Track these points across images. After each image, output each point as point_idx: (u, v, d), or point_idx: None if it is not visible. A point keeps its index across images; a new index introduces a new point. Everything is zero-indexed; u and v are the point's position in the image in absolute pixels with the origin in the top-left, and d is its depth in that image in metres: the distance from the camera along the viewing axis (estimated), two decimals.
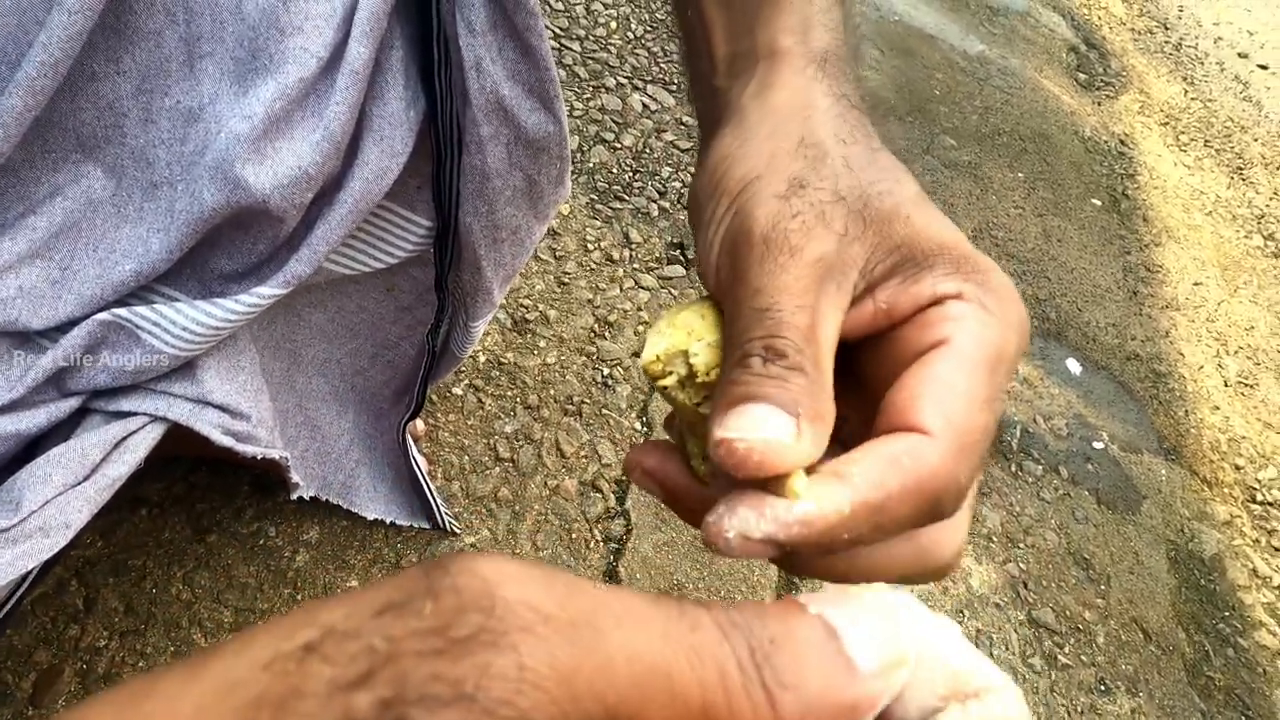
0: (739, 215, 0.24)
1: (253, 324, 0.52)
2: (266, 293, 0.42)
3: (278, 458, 0.49)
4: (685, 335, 0.24)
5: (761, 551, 0.20)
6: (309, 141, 0.38)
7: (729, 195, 0.25)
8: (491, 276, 0.55)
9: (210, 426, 0.44)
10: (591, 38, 1.39)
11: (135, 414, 0.43)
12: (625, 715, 0.13)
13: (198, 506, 0.73)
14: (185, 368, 0.43)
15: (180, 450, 0.75)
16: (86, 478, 0.40)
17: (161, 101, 0.38)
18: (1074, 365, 1.48)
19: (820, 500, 0.19)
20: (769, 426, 0.20)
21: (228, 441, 0.45)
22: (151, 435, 0.43)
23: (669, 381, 0.24)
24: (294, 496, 0.61)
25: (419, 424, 0.83)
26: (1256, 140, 2.44)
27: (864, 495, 0.20)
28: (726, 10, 0.30)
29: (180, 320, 0.40)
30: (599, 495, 0.90)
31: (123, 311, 0.40)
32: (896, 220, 0.24)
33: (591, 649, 0.13)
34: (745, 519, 0.19)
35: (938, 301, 0.23)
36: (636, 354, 1.04)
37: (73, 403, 0.42)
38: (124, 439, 0.42)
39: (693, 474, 0.26)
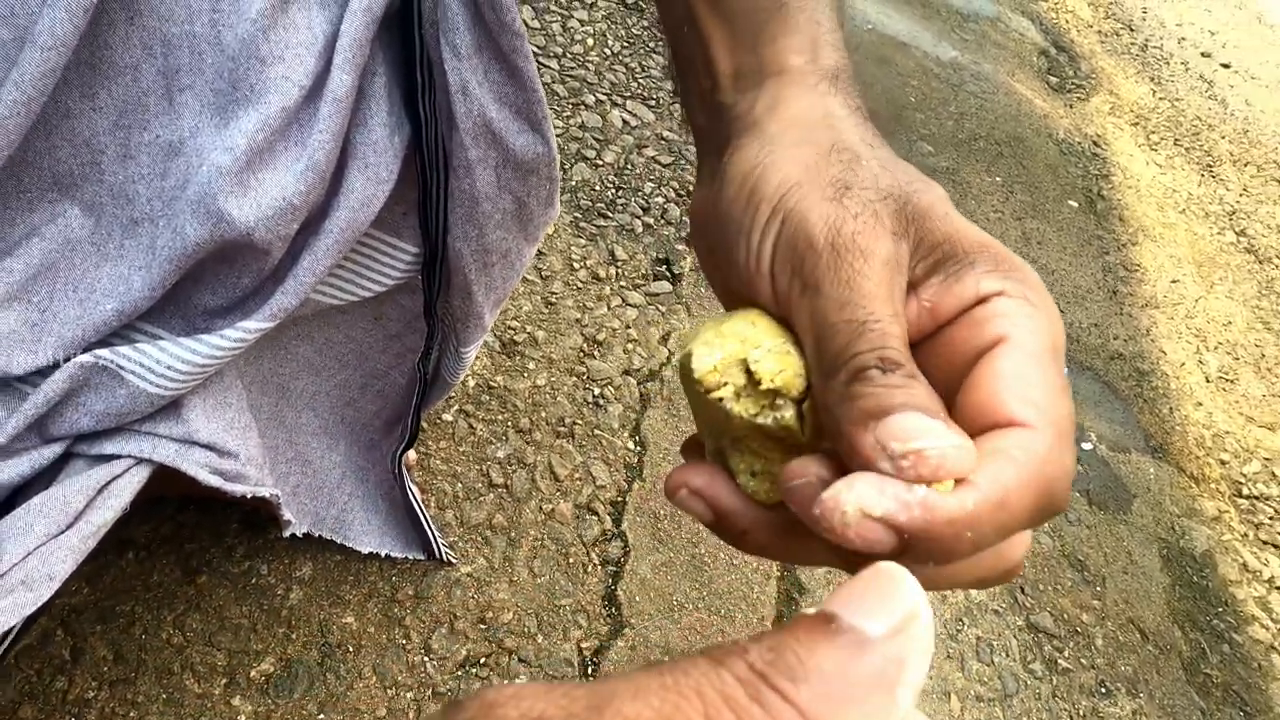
0: (791, 221, 0.24)
1: (239, 359, 0.50)
2: (253, 327, 0.40)
3: (268, 495, 0.48)
4: (739, 344, 0.24)
5: (878, 537, 0.19)
6: (293, 172, 0.37)
7: (769, 202, 0.25)
8: (482, 301, 0.54)
9: (197, 466, 0.43)
10: (569, 55, 1.39)
11: (119, 456, 0.41)
12: None
13: (186, 547, 0.71)
14: (170, 406, 0.41)
15: (167, 490, 0.73)
16: (70, 526, 0.39)
17: (140, 136, 0.37)
18: None
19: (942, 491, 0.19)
20: (937, 432, 0.19)
21: (216, 481, 0.43)
22: (136, 478, 0.42)
23: (725, 392, 0.23)
24: (286, 534, 0.59)
25: (411, 453, 0.82)
26: (1224, 138, 2.48)
27: (985, 492, 0.19)
28: (728, 26, 0.29)
29: (164, 359, 0.39)
30: (595, 518, 0.88)
31: (104, 352, 0.38)
32: (935, 218, 0.24)
33: None
34: (864, 494, 0.19)
35: (983, 300, 0.23)
36: (627, 371, 1.03)
37: (56, 449, 0.40)
38: (108, 483, 0.41)
39: (739, 491, 0.25)
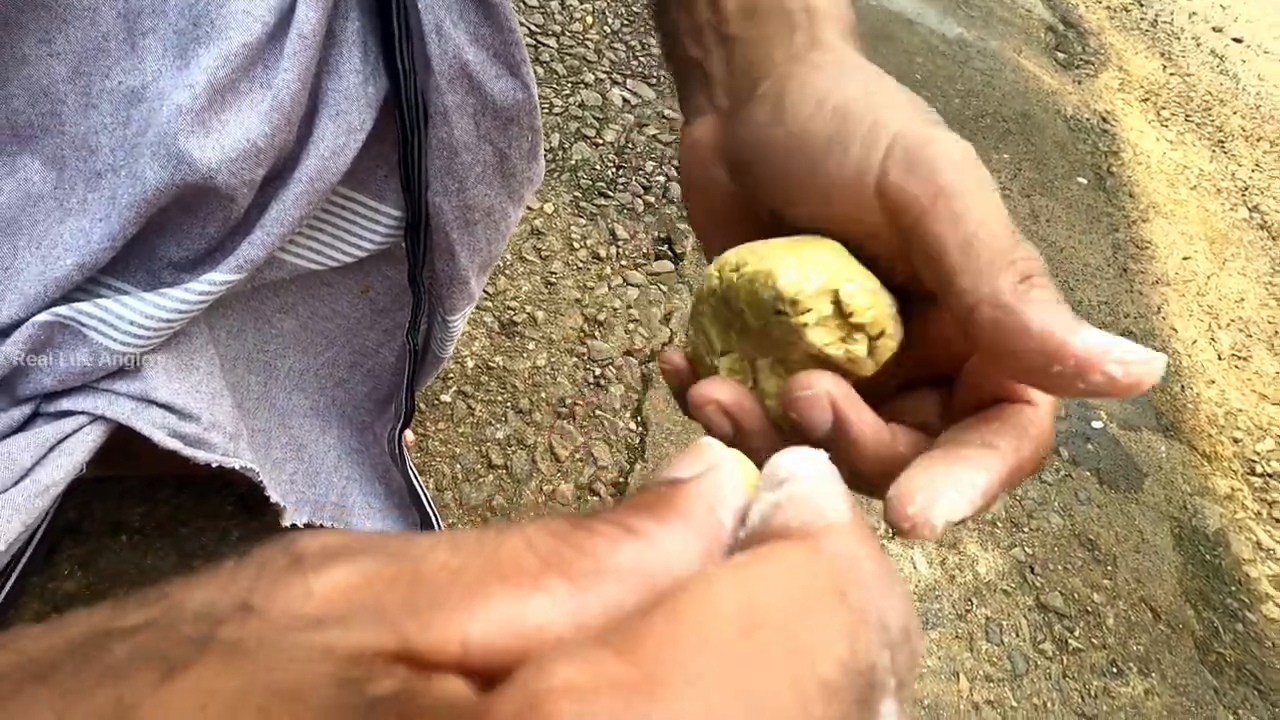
0: (906, 135, 0.24)
1: (219, 333, 0.49)
2: (219, 279, 0.39)
3: (238, 468, 0.46)
4: (826, 273, 0.24)
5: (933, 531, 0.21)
6: (257, 112, 0.36)
7: (869, 118, 0.25)
8: (467, 264, 0.53)
9: (153, 427, 0.41)
10: (568, 33, 1.37)
11: (73, 413, 0.40)
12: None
13: (181, 531, 0.70)
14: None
15: (163, 470, 0.72)
16: (15, 483, 0.38)
17: (102, 84, 0.35)
18: None
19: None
20: (1127, 346, 0.20)
21: (174, 444, 0.42)
22: (90, 437, 0.40)
23: (809, 318, 0.24)
24: (286, 523, 0.58)
25: (409, 434, 0.81)
26: (1235, 113, 2.44)
27: (1010, 462, 0.22)
28: None
29: (128, 315, 0.37)
30: (596, 499, 0.87)
31: (65, 310, 0.37)
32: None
33: (398, 562, 0.12)
34: (954, 504, 0.21)
35: None
36: (628, 352, 1.02)
37: (25, 410, 0.39)
38: (60, 441, 0.39)
39: (764, 411, 0.26)
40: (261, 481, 0.51)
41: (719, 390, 0.25)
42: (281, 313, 0.54)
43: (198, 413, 0.43)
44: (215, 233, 0.38)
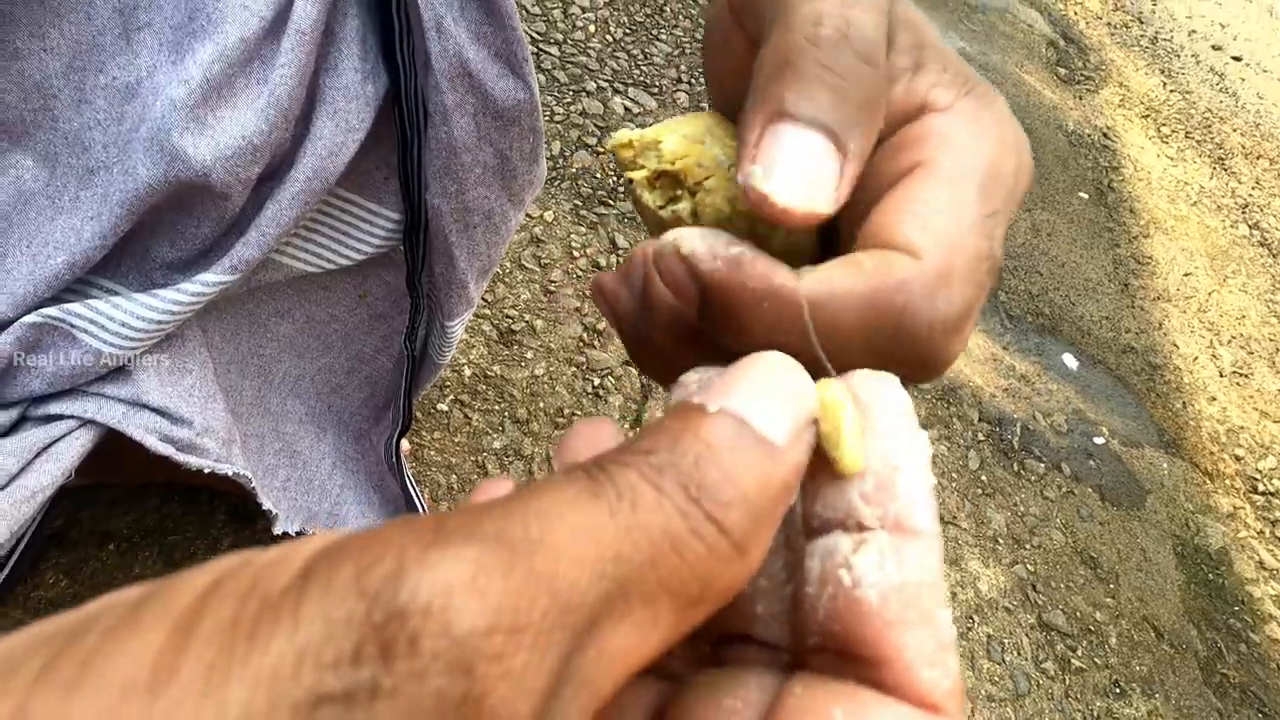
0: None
1: (213, 336, 0.48)
2: (212, 279, 0.38)
3: (231, 474, 0.45)
4: (670, 132, 0.22)
5: (679, 278, 0.18)
6: (253, 109, 0.35)
7: None
8: (465, 268, 0.51)
9: (144, 431, 0.40)
10: (570, 42, 1.36)
11: (63, 417, 0.39)
12: (598, 625, 0.12)
13: (170, 539, 0.69)
14: (121, 368, 0.39)
15: (151, 477, 0.71)
16: (0, 489, 0.36)
17: (96, 79, 0.34)
18: (1070, 360, 1.46)
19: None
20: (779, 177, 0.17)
21: (166, 450, 0.40)
22: (79, 442, 0.39)
23: (638, 175, 0.22)
24: (277, 531, 0.57)
25: (404, 442, 0.80)
26: (1235, 130, 2.44)
27: (810, 286, 0.17)
28: None
29: (118, 315, 0.36)
30: None
31: (53, 311, 0.36)
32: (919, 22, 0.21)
33: (532, 582, 0.11)
34: (687, 235, 0.18)
35: (923, 110, 0.19)
36: (628, 362, 1.01)
37: (12, 414, 0.38)
38: (48, 446, 0.38)
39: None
40: (254, 488, 0.49)
41: (607, 277, 0.22)
42: (278, 316, 0.53)
43: (190, 417, 0.42)
44: (209, 232, 0.37)
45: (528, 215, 1.09)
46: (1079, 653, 1.04)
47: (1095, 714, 0.99)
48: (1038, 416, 1.32)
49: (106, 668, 0.10)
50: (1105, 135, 2.13)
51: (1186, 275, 1.81)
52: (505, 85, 0.43)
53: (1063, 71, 2.31)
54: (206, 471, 0.43)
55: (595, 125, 1.27)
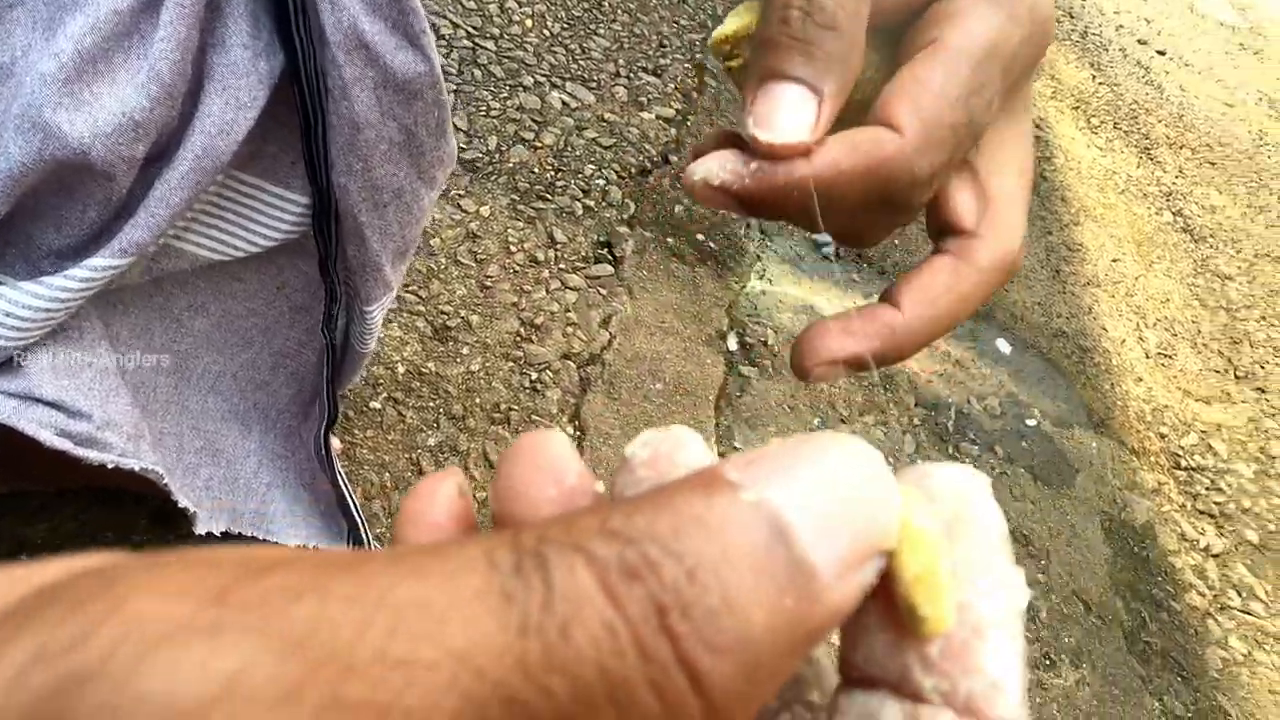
0: None
1: (120, 329, 0.47)
2: (101, 264, 0.37)
3: (138, 469, 0.44)
4: (752, 14, 0.23)
5: (723, 201, 0.21)
6: (133, 84, 0.34)
7: None
8: (379, 250, 0.51)
9: (38, 426, 0.39)
10: (506, 36, 1.35)
11: None
12: None
13: (89, 547, 0.67)
14: (9, 361, 0.38)
15: (67, 481, 0.69)
16: None
17: None
18: (1004, 345, 1.51)
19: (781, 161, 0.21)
20: (787, 115, 0.20)
21: (62, 444, 0.40)
22: None
23: (735, 64, 0.24)
24: (200, 531, 0.56)
25: (335, 442, 0.79)
26: (1160, 122, 2.54)
27: (815, 166, 0.21)
28: None
29: (3, 306, 0.35)
30: None
31: None
32: None
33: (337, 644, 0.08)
34: (709, 167, 0.21)
35: None
36: (566, 355, 1.01)
37: None
38: None
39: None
40: (167, 485, 0.49)
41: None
42: (191, 311, 0.52)
43: (89, 411, 0.41)
44: (96, 216, 0.37)
45: (463, 210, 1.09)
46: None
47: (1025, 686, 1.02)
48: (972, 400, 1.35)
49: None
50: (1038, 126, 2.19)
51: (1115, 261, 1.88)
52: (404, 57, 0.43)
53: None
54: (111, 467, 0.43)
55: (532, 120, 1.26)
